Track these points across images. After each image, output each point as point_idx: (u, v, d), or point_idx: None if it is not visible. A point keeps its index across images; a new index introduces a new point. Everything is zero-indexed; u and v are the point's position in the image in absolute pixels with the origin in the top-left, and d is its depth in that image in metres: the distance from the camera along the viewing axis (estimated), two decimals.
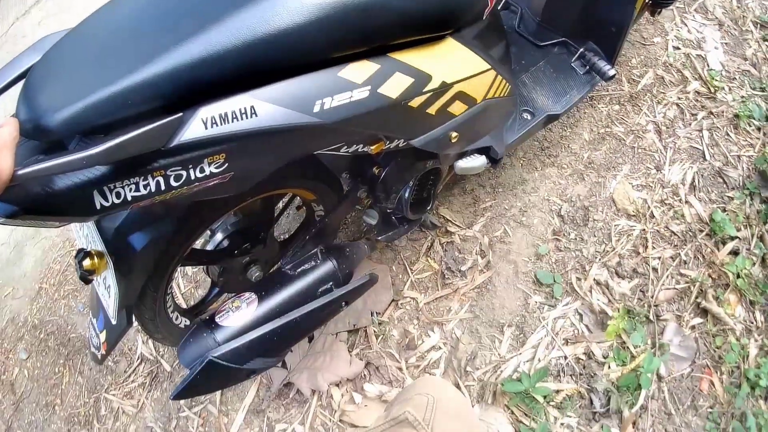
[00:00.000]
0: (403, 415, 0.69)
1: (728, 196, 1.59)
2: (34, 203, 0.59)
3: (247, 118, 0.66)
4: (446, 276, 1.44)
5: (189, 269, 1.59)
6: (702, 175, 1.60)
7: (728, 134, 1.70)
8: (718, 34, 1.91)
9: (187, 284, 1.56)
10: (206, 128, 0.63)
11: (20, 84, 0.66)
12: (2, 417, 1.58)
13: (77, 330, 1.65)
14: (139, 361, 1.53)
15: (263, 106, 0.67)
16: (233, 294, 1.10)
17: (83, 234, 0.89)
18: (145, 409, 1.45)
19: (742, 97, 1.77)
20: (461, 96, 0.98)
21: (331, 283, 1.14)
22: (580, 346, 1.34)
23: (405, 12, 0.79)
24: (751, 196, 1.60)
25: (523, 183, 1.57)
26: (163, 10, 0.69)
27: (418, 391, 0.76)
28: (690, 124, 1.68)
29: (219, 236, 1.18)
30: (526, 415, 1.26)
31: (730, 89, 1.78)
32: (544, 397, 1.27)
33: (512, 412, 1.27)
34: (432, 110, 0.92)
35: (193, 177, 0.68)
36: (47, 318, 1.71)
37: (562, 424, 1.26)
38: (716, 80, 1.78)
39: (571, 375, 1.31)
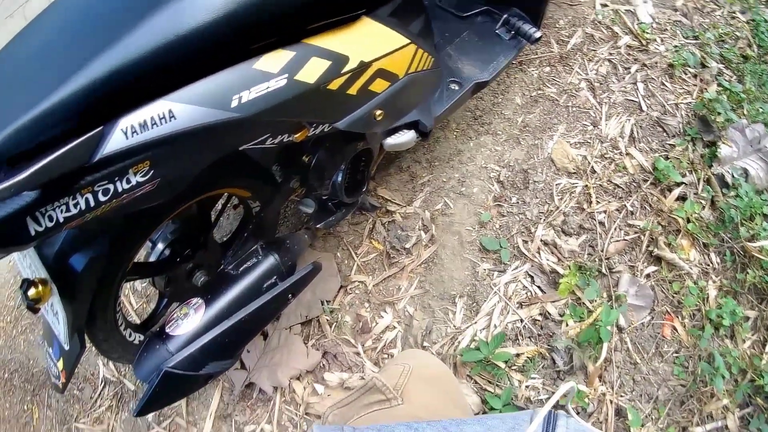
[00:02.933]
0: (371, 381, 0.69)
1: (669, 144, 1.60)
2: None
3: (166, 122, 0.66)
4: (392, 255, 1.43)
5: (138, 284, 1.58)
6: (640, 126, 1.61)
7: (664, 84, 1.71)
8: None
9: (139, 299, 1.54)
10: (127, 138, 0.63)
11: None
12: None
13: (39, 364, 1.63)
14: (102, 384, 1.51)
15: (181, 108, 0.67)
16: (181, 302, 1.09)
17: (26, 264, 0.88)
18: None
19: (675, 46, 1.79)
20: (382, 73, 0.97)
21: (275, 277, 1.13)
22: (534, 308, 1.34)
23: None
24: (693, 142, 1.62)
25: (459, 154, 1.57)
26: (75, 29, 0.70)
27: (396, 362, 0.76)
28: (624, 78, 1.69)
29: (160, 246, 1.16)
30: (489, 382, 1.26)
31: (662, 40, 1.80)
32: (506, 362, 1.26)
33: (475, 382, 1.27)
34: (353, 90, 0.92)
35: (120, 189, 0.68)
36: (9, 356, 1.68)
37: (527, 386, 1.26)
38: (647, 33, 1.80)
39: (529, 337, 1.31)
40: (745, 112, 1.70)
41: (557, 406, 0.48)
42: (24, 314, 1.70)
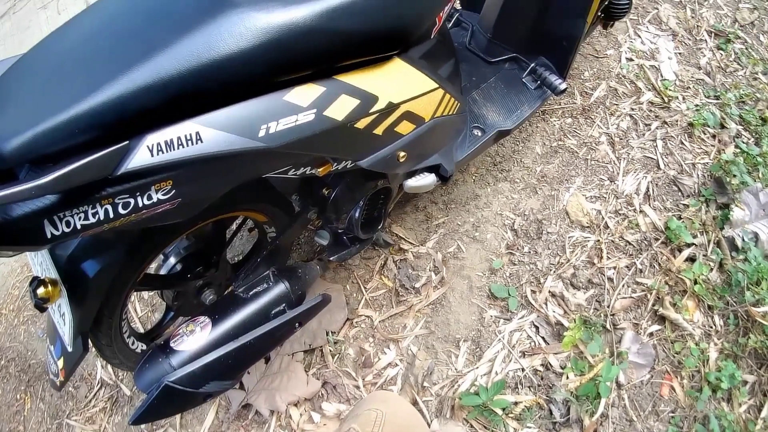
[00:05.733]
0: (350, 431, 0.70)
1: (683, 204, 1.61)
2: None
3: (192, 144, 0.66)
4: (400, 293, 1.44)
5: (145, 293, 1.58)
6: (656, 184, 1.62)
7: (683, 143, 1.73)
8: (672, 44, 1.94)
9: (144, 308, 1.55)
10: (152, 155, 0.64)
11: None
12: None
13: (38, 356, 1.63)
14: (99, 385, 1.51)
15: (208, 132, 0.68)
16: (188, 318, 1.10)
17: (37, 262, 0.89)
18: None
19: (696, 105, 1.81)
20: (408, 115, 0.99)
21: (284, 304, 1.14)
22: (537, 358, 1.35)
23: (350, 34, 0.80)
24: (706, 203, 1.62)
25: (476, 198, 1.58)
26: (111, 38, 0.70)
27: (368, 406, 0.76)
28: (644, 134, 1.71)
29: (172, 260, 1.18)
30: (485, 427, 1.27)
31: (684, 98, 1.82)
32: (503, 409, 1.27)
33: (471, 426, 1.27)
34: (379, 131, 0.93)
35: (140, 204, 0.68)
36: (7, 344, 1.69)
37: None
38: (670, 90, 1.81)
39: (529, 387, 1.32)
40: (760, 176, 1.71)
41: None
42: (28, 305, 1.70)
